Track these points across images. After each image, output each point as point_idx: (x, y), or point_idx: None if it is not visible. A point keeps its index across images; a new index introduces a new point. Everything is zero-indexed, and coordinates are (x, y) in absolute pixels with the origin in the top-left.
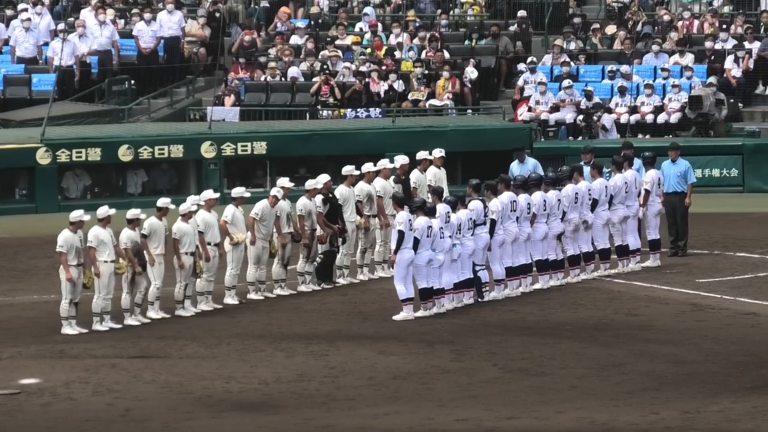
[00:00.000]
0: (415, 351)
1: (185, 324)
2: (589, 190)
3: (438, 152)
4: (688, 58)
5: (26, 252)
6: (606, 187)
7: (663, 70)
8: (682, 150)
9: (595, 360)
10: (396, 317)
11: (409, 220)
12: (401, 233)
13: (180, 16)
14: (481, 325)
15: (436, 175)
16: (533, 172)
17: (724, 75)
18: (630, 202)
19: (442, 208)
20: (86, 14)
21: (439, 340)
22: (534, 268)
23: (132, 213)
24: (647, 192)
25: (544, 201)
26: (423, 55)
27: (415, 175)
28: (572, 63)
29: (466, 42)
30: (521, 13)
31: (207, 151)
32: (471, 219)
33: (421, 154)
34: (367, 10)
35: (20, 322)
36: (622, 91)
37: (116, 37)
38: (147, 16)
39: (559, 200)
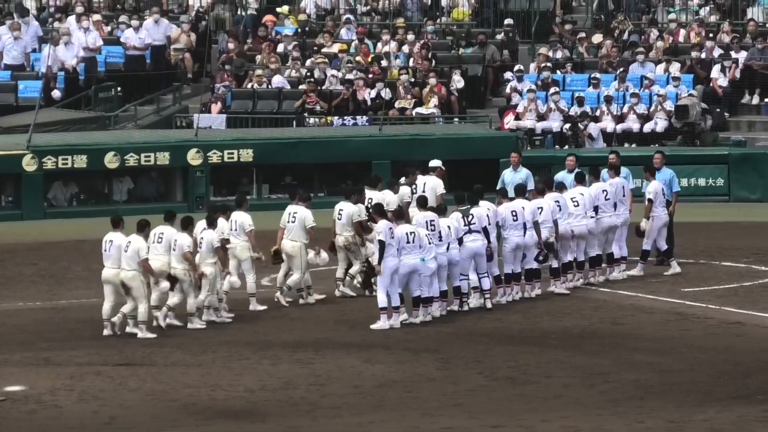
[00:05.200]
0: (401, 359)
1: (170, 332)
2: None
3: (436, 163)
4: (675, 67)
5: (12, 259)
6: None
7: (649, 79)
8: (668, 159)
9: (580, 369)
10: (373, 326)
11: (390, 228)
12: (381, 243)
13: (165, 24)
14: (466, 334)
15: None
16: (524, 182)
17: (710, 84)
18: (619, 210)
19: (421, 216)
20: (72, 21)
21: (425, 348)
22: (522, 277)
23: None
24: (650, 202)
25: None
26: (410, 63)
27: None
28: (558, 71)
29: (453, 50)
30: (508, 21)
31: (193, 158)
32: (450, 227)
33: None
34: (349, 16)
35: (6, 329)
36: (609, 100)
37: (99, 43)
38: (134, 23)
39: (559, 206)
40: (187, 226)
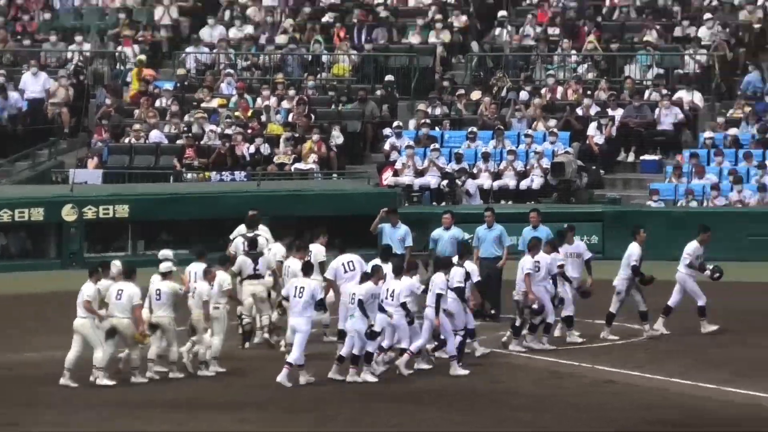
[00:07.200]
0: (276, 418)
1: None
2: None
3: None
4: (552, 124)
5: None
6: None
7: (526, 136)
8: (544, 216)
9: (460, 426)
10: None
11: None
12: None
13: (44, 77)
14: (342, 393)
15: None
16: (402, 239)
17: (587, 142)
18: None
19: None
20: None
21: (301, 408)
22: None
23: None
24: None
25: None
26: (290, 118)
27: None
28: (437, 127)
29: (333, 106)
30: (388, 77)
31: (68, 214)
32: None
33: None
34: (230, 70)
35: None
36: (486, 156)
37: None
38: (1, 77)
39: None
40: (224, 263)
